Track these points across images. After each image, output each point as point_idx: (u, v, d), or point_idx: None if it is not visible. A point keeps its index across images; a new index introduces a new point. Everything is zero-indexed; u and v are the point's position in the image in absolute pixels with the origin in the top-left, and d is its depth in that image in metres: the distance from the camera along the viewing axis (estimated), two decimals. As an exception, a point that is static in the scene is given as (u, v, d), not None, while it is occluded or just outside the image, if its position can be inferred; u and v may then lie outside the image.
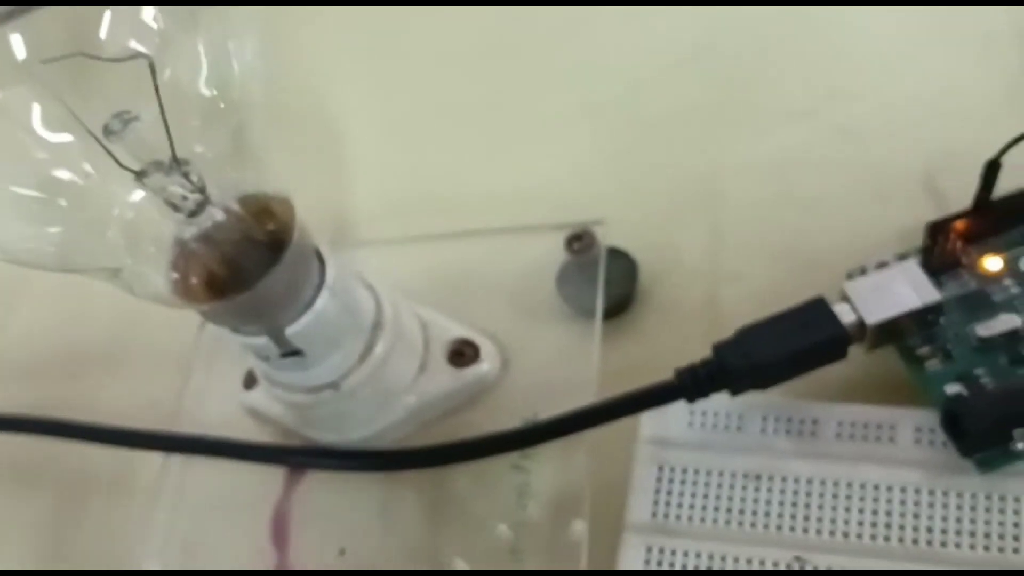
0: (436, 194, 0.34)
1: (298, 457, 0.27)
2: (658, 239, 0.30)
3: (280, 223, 0.22)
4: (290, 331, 0.23)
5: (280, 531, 0.27)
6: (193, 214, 0.21)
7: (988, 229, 0.25)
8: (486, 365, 0.27)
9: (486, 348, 0.27)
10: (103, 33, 0.19)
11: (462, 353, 0.27)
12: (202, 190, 0.21)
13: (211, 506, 0.29)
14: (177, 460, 0.30)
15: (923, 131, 0.29)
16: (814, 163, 0.30)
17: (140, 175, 0.21)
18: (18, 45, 0.19)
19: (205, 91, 0.20)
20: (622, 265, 0.29)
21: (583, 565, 0.23)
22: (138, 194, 0.22)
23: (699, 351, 0.23)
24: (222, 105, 0.20)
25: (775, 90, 0.32)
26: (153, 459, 0.30)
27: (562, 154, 0.34)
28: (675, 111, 0.33)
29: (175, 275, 0.22)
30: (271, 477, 0.28)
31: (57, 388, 0.35)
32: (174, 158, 0.20)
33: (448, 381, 0.27)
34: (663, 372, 0.24)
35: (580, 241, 0.28)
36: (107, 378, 0.35)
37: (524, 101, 0.36)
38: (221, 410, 0.30)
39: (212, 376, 0.31)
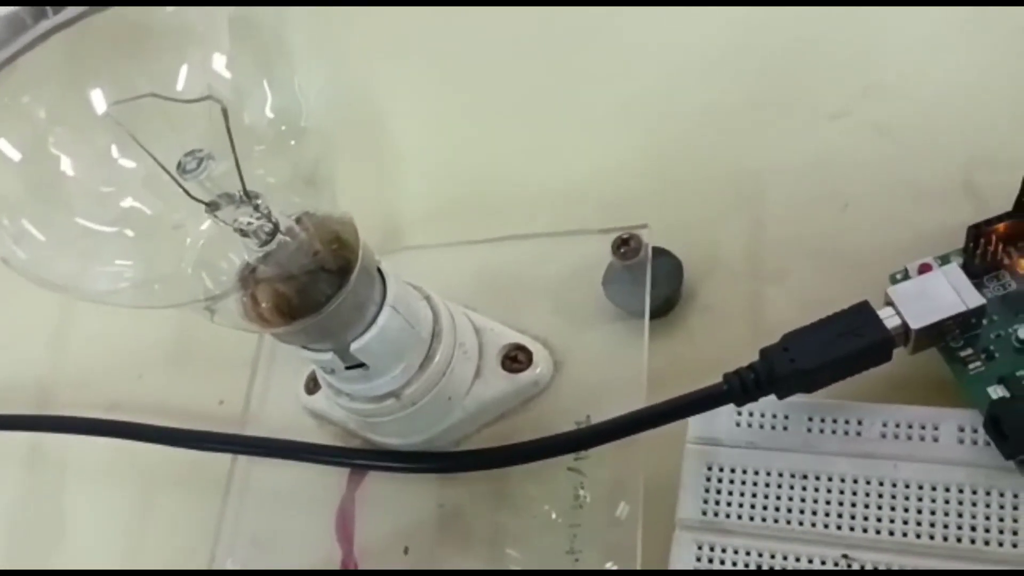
0: (479, 196, 0.35)
1: (363, 459, 0.29)
2: (700, 238, 0.30)
3: (346, 245, 0.23)
4: (355, 347, 0.24)
5: (345, 528, 0.28)
6: (264, 243, 0.22)
7: (1029, 231, 0.25)
8: (539, 369, 0.28)
9: (538, 353, 0.28)
10: (180, 81, 0.20)
11: (515, 359, 0.28)
12: (271, 219, 0.22)
13: (278, 503, 0.30)
14: (245, 459, 0.31)
15: (959, 130, 0.29)
16: (851, 163, 0.30)
17: (211, 207, 0.22)
18: (98, 99, 0.20)
19: (276, 127, 0.21)
20: (667, 265, 0.29)
21: (638, 558, 0.24)
22: (207, 224, 0.23)
23: (744, 349, 0.24)
24: (292, 142, 0.21)
25: (810, 90, 0.32)
26: (222, 458, 0.31)
27: (602, 155, 0.34)
28: (713, 111, 0.33)
29: (246, 300, 0.23)
30: (334, 475, 0.29)
31: (127, 388, 0.36)
32: (245, 192, 0.21)
33: (503, 386, 0.28)
34: (710, 370, 0.24)
35: (627, 245, 0.28)
36: (173, 378, 0.36)
37: (564, 103, 0.36)
38: (283, 410, 0.31)
39: (273, 379, 0.32)
